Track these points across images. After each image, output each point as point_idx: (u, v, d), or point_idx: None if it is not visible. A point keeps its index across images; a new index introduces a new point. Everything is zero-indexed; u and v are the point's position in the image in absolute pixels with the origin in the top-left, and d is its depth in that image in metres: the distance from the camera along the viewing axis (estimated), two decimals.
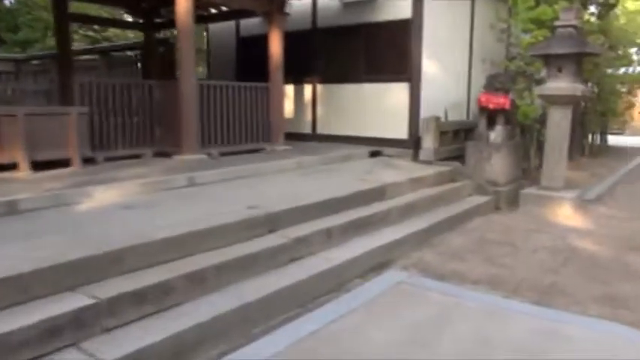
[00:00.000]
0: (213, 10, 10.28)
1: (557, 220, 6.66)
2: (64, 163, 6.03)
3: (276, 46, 8.28)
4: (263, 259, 4.01)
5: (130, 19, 12.61)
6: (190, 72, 7.00)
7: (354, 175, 6.67)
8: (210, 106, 7.52)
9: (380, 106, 8.95)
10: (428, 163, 8.03)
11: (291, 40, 8.79)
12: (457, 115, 9.50)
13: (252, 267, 3.90)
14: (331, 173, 6.84)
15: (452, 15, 9.22)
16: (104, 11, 13.63)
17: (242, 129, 7.99)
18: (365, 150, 8.56)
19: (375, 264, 4.73)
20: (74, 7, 10.19)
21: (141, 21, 10.33)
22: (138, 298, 3.09)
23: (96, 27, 18.98)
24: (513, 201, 7.46)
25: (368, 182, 6.12)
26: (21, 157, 5.61)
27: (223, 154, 7.49)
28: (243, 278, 3.77)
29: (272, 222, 4.57)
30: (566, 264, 4.94)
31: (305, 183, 6.12)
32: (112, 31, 19.71)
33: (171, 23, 9.15)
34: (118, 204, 4.72)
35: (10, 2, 19.69)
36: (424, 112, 8.49)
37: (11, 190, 4.64)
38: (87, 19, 11.58)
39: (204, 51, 12.66)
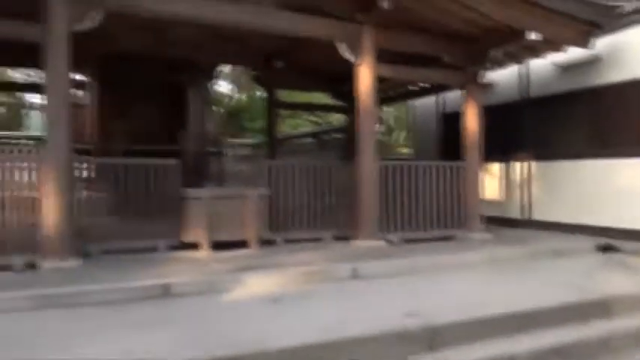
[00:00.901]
0: (411, 87, 9.96)
1: None
2: (243, 244, 6.09)
3: (472, 120, 7.38)
4: None
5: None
6: (370, 153, 6.59)
7: (566, 277, 5.14)
8: (393, 188, 6.92)
9: (611, 187, 7.10)
10: None
11: (497, 113, 7.82)
12: None
13: None
14: (533, 273, 5.42)
15: None
16: (309, 97, 14.60)
17: (429, 213, 7.14)
18: (589, 243, 6.76)
19: None
20: (283, 96, 11.05)
21: (342, 104, 10.64)
22: None
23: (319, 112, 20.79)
24: None
25: (584, 290, 4.58)
26: (203, 237, 5.84)
27: (406, 241, 6.72)
28: None
29: (432, 337, 3.57)
30: None
31: (492, 285, 4.90)
32: (334, 115, 21.35)
33: None
34: (267, 295, 4.35)
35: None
36: None
37: (175, 272, 4.73)
38: (292, 106, 12.51)
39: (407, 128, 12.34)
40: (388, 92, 10.49)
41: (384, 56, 6.81)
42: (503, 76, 8.37)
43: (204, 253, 5.76)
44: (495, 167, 8.69)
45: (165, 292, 4.25)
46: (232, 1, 5.92)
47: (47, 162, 4.95)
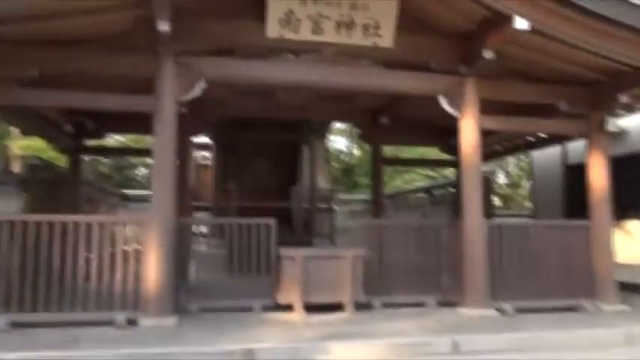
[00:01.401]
0: (530, 138, 9.20)
1: None
2: (338, 307, 5.85)
3: (598, 173, 6.51)
4: None
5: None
6: (475, 211, 6.06)
7: None
8: (507, 250, 6.25)
9: None
10: None
11: (630, 163, 6.83)
12: None
13: None
14: None
15: None
16: (421, 151, 14.17)
17: (549, 279, 6.29)
18: None
19: None
20: (392, 151, 10.85)
21: (452, 157, 10.13)
22: None
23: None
24: None
25: None
26: (296, 299, 5.72)
27: (520, 311, 5.94)
28: None
29: None
30: None
31: None
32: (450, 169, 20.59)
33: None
34: None
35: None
36: None
37: (263, 336, 4.63)
38: (398, 161, 12.20)
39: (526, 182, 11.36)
40: (503, 143, 9.83)
41: (492, 107, 6.41)
42: (635, 123, 7.36)
43: (296, 315, 5.62)
44: (632, 225, 7.51)
45: (249, 358, 4.15)
46: (329, 64, 6.02)
47: (151, 221, 5.26)
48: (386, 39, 5.97)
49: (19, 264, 4.97)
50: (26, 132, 9.38)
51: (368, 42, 5.96)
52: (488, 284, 6.01)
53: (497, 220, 6.70)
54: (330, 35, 5.85)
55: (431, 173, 20.06)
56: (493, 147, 9.99)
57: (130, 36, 5.33)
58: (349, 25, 5.82)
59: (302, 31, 5.77)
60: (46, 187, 7.61)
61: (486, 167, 15.95)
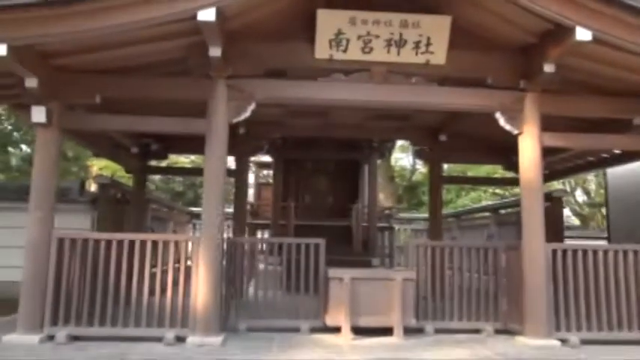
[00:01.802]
0: (603, 155, 8.55)
1: None
2: (387, 331, 5.67)
3: None
4: None
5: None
6: (536, 234, 5.68)
7: None
8: (570, 276, 5.79)
9: None
10: None
11: None
12: None
13: None
14: None
15: None
16: (486, 169, 13.58)
17: (622, 309, 5.74)
18: None
19: None
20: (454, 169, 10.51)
21: (516, 175, 9.60)
22: None
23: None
24: None
25: None
26: (343, 321, 5.61)
27: (587, 342, 5.46)
28: None
29: None
30: None
31: None
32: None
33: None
34: None
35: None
36: None
37: (306, 359, 4.56)
38: (457, 180, 11.73)
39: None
40: (575, 160, 9.21)
41: (557, 123, 6.04)
42: None
43: (343, 338, 5.50)
44: None
45: None
46: (380, 83, 5.94)
47: (200, 239, 5.39)
48: (438, 55, 5.82)
49: (79, 279, 5.26)
50: (97, 154, 10.04)
51: (420, 59, 5.84)
52: (550, 312, 5.59)
53: (561, 244, 6.23)
54: (380, 54, 5.79)
55: (498, 191, 19.24)
56: (563, 164, 9.40)
57: (184, 62, 5.55)
58: (399, 43, 5.74)
59: (351, 50, 5.75)
60: (114, 206, 8.06)
61: (559, 185, 15.09)
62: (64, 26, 4.51)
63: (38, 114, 5.23)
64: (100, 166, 16.36)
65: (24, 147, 13.35)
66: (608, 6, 4.85)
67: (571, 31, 4.97)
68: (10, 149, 13.18)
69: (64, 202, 8.10)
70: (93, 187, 9.66)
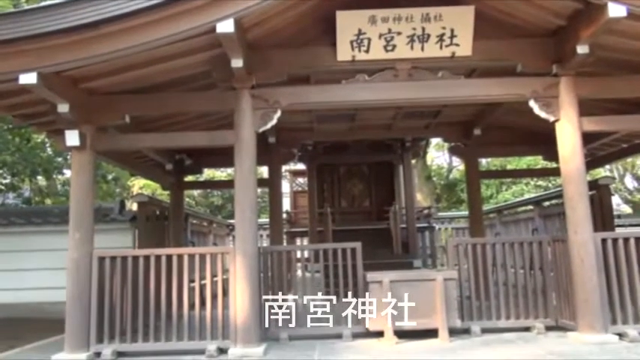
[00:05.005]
0: None
1: None
2: (432, 333, 5.51)
3: None
4: None
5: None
6: (582, 224, 5.41)
7: None
8: (623, 266, 5.47)
9: None
10: None
11: None
12: None
13: None
14: None
15: None
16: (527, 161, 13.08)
17: None
18: None
19: None
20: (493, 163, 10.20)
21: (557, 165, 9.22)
22: None
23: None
24: None
25: None
26: (385, 325, 5.47)
27: None
28: None
29: None
30: None
31: None
32: None
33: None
34: None
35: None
36: None
37: None
38: (495, 174, 11.36)
39: None
40: (619, 144, 8.77)
41: (596, 106, 5.77)
42: None
43: (386, 343, 5.37)
44: None
45: None
46: (406, 80, 5.81)
47: (234, 251, 5.39)
48: (464, 47, 5.66)
49: (121, 296, 5.36)
50: (135, 174, 10.27)
51: (445, 52, 5.69)
52: (605, 305, 5.30)
53: (611, 233, 5.92)
54: (403, 51, 5.67)
55: (541, 183, 18.56)
56: (607, 150, 8.97)
57: (208, 76, 5.60)
58: (423, 38, 5.61)
59: (373, 50, 5.66)
60: (153, 222, 8.21)
61: (605, 173, 14.45)
62: (92, 50, 4.61)
63: (72, 138, 5.37)
64: (140, 185, 16.78)
65: (67, 172, 13.86)
66: None
67: (603, 8, 4.72)
68: (54, 175, 13.68)
69: (107, 222, 8.37)
70: (134, 207, 9.90)
